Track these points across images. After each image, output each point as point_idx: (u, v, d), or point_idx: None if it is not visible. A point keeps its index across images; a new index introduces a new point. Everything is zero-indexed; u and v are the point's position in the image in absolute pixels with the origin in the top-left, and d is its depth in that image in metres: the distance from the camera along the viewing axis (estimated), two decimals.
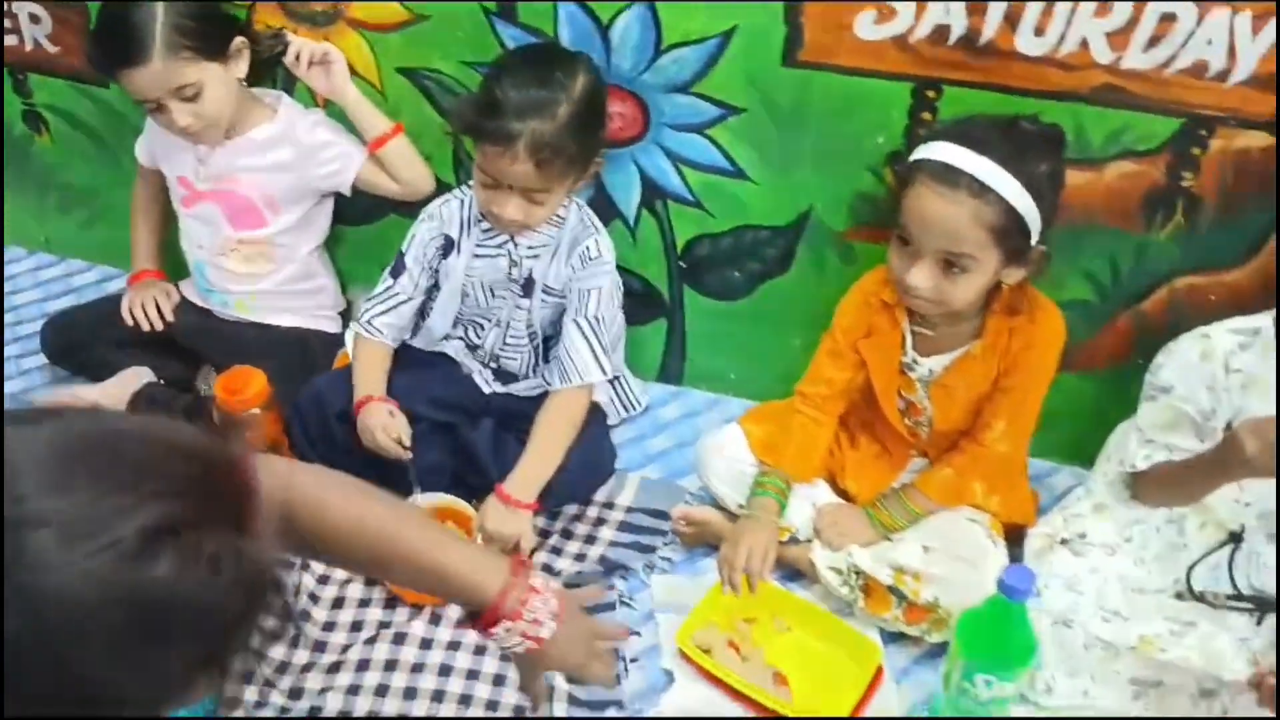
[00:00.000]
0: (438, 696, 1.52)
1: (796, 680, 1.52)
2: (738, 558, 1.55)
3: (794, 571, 1.66)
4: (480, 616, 1.10)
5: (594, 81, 1.58)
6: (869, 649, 1.53)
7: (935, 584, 1.50)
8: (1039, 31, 1.45)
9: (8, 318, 2.15)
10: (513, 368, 1.82)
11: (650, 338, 1.97)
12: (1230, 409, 1.41)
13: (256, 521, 0.76)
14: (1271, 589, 1.46)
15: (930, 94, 1.55)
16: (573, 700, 1.51)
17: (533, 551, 1.70)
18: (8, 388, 2.01)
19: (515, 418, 1.76)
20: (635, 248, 1.85)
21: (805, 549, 1.62)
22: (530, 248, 1.70)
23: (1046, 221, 1.40)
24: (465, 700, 1.51)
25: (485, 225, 1.70)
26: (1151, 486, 1.50)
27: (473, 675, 1.54)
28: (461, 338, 1.82)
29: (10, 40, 2.01)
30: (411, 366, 1.80)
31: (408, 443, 1.67)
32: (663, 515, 1.77)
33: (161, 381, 1.93)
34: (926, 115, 1.56)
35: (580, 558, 1.72)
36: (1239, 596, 1.47)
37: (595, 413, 1.81)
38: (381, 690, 1.52)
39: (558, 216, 1.68)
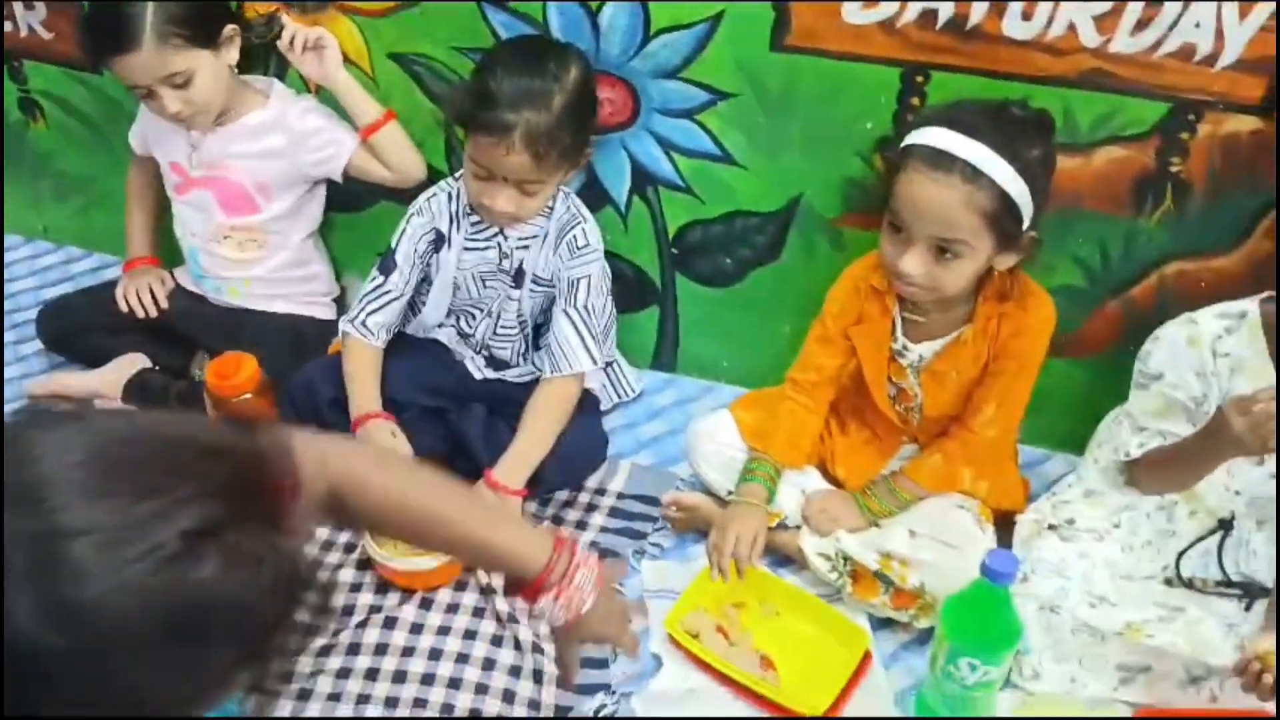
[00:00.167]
0: (427, 679, 1.52)
1: (784, 665, 1.52)
2: (726, 543, 1.56)
3: (783, 557, 1.66)
4: (524, 588, 1.12)
5: (586, 72, 1.59)
6: (857, 634, 1.54)
7: (921, 569, 1.50)
8: (1026, 15, 1.45)
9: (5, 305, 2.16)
10: (504, 356, 1.83)
11: (643, 324, 1.97)
12: (1220, 393, 1.41)
13: (292, 517, 0.76)
14: (1261, 576, 1.46)
15: (918, 79, 1.54)
16: (560, 684, 1.51)
17: None
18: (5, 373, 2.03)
19: (507, 404, 1.77)
20: (627, 235, 1.86)
21: (794, 535, 1.63)
22: (520, 238, 1.70)
23: (1038, 207, 1.40)
24: (454, 684, 1.51)
25: (475, 218, 1.70)
26: (1146, 473, 1.50)
27: (462, 659, 1.54)
28: (453, 326, 1.83)
29: (5, 27, 2.01)
30: (403, 353, 1.80)
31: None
32: (654, 502, 1.77)
33: (156, 368, 1.94)
34: (915, 100, 1.56)
35: None
36: (1228, 583, 1.48)
37: (587, 399, 1.81)
38: (372, 674, 1.52)
39: (547, 206, 1.68)
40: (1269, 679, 1.29)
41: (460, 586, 1.63)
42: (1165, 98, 1.47)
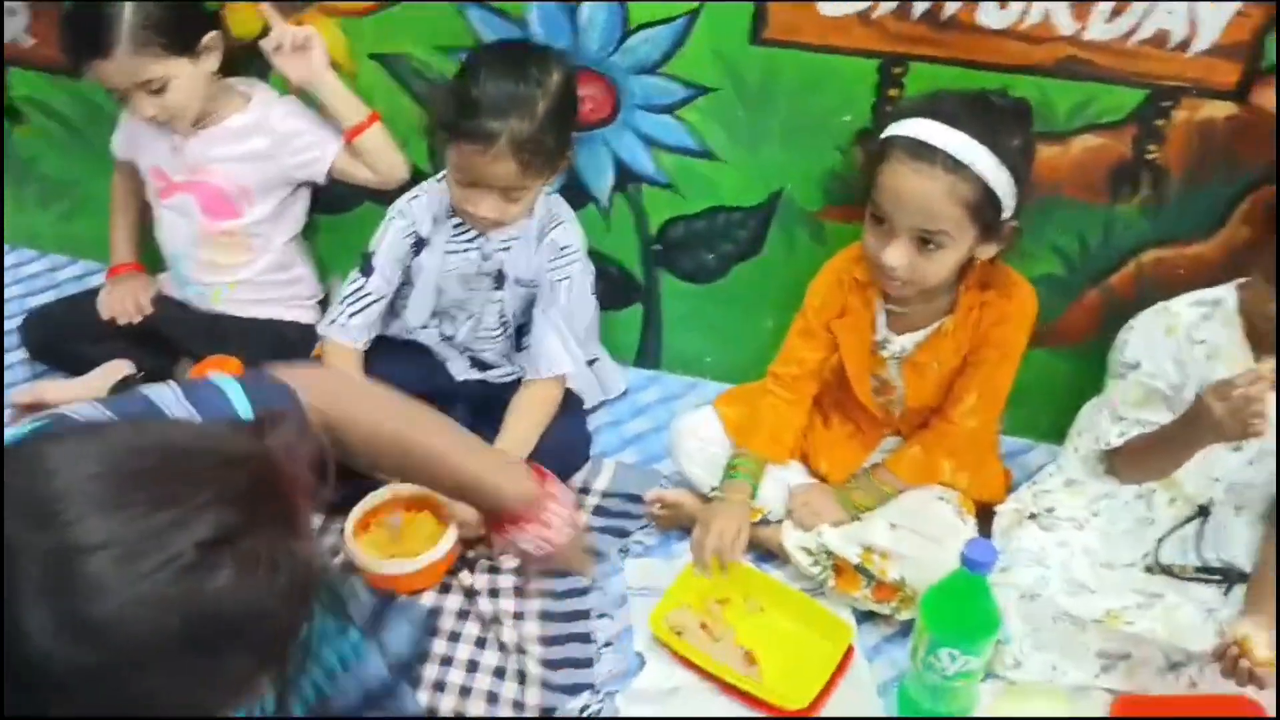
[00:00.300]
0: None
1: (767, 660, 1.52)
2: (709, 539, 1.56)
3: (766, 552, 1.66)
4: (500, 519, 1.17)
5: (568, 75, 1.58)
6: (840, 628, 1.53)
7: (902, 562, 1.50)
8: (1001, 5, 1.45)
9: None
10: (487, 357, 1.83)
11: (627, 322, 1.97)
12: (1198, 380, 1.41)
13: (306, 519, 0.77)
14: (1239, 561, 1.46)
15: (896, 70, 1.55)
16: (546, 685, 1.51)
17: None
18: None
19: (490, 404, 1.76)
20: (609, 232, 1.85)
21: (777, 530, 1.63)
22: (502, 240, 1.70)
23: (1019, 196, 1.40)
24: (439, 686, 1.50)
25: (456, 220, 1.69)
26: (1126, 462, 1.50)
27: (446, 661, 1.53)
28: (436, 328, 1.82)
29: None
30: (385, 355, 1.80)
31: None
32: (638, 500, 1.77)
33: (141, 374, 1.93)
34: (893, 92, 1.56)
35: None
36: (1207, 569, 1.48)
37: (570, 398, 1.81)
38: None
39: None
40: (1247, 664, 1.29)
41: (444, 589, 1.63)
42: (1141, 85, 1.47)
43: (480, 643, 1.56)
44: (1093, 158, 1.54)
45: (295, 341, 1.96)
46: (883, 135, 1.43)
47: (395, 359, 1.80)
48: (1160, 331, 1.44)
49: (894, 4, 1.49)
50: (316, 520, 1.51)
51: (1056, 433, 1.68)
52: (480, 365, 1.84)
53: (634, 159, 1.76)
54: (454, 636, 1.57)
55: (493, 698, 1.49)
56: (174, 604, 0.67)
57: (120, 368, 1.92)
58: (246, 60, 1.84)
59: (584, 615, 1.60)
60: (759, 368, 1.71)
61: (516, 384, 1.75)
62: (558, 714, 1.48)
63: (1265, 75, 1.42)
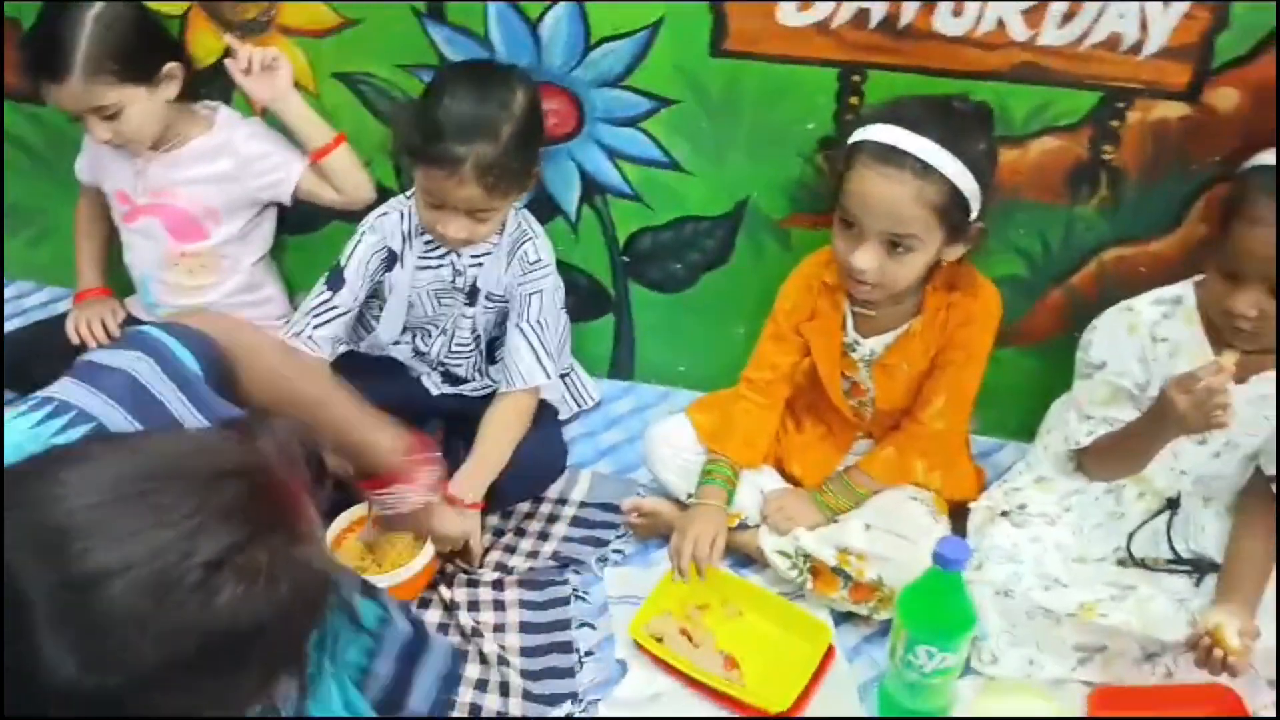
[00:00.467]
0: None
1: (748, 663, 1.53)
2: (686, 546, 1.57)
3: (745, 557, 1.67)
4: (371, 476, 1.24)
5: (533, 95, 1.59)
6: (819, 630, 1.55)
7: (878, 563, 1.51)
8: (956, 13, 1.48)
9: None
10: (460, 372, 1.83)
11: (599, 333, 1.98)
12: (1162, 378, 1.43)
13: (307, 520, 0.78)
14: (1209, 551, 1.49)
15: (856, 78, 1.57)
16: (528, 695, 1.51)
17: (487, 550, 1.71)
18: None
19: (465, 418, 1.77)
20: (578, 244, 1.87)
21: (754, 534, 1.64)
22: (473, 256, 1.70)
23: (984, 198, 1.42)
24: None
25: (427, 237, 1.69)
26: (1095, 460, 1.53)
27: None
28: (409, 344, 1.83)
29: None
30: (358, 372, 1.77)
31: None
32: (615, 509, 1.77)
33: None
34: (854, 100, 1.58)
35: (534, 554, 1.72)
36: (1179, 560, 1.50)
37: (545, 410, 1.82)
38: None
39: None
40: (1220, 652, 1.31)
41: (423, 604, 1.63)
42: (1095, 87, 1.50)
43: (461, 655, 1.56)
44: (1051, 160, 1.57)
45: None
46: (849, 141, 1.44)
47: (369, 375, 1.77)
48: (1123, 331, 1.46)
49: (852, 13, 1.51)
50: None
51: (1026, 431, 1.71)
52: (454, 380, 1.84)
53: (600, 172, 1.78)
54: None
55: (476, 710, 1.49)
56: (186, 625, 0.68)
57: None
58: (210, 82, 1.84)
59: (565, 625, 1.61)
60: (732, 375, 1.73)
61: (491, 397, 1.75)
62: None
63: (1215, 75, 1.45)
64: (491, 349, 1.80)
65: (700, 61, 1.61)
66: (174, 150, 1.81)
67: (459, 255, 1.70)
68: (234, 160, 1.82)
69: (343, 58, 1.77)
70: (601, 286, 1.92)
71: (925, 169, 1.36)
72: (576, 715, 1.50)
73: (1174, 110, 1.49)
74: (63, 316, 1.99)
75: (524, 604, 1.64)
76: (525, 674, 1.54)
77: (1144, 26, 1.43)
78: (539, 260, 1.70)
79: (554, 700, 1.51)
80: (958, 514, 1.61)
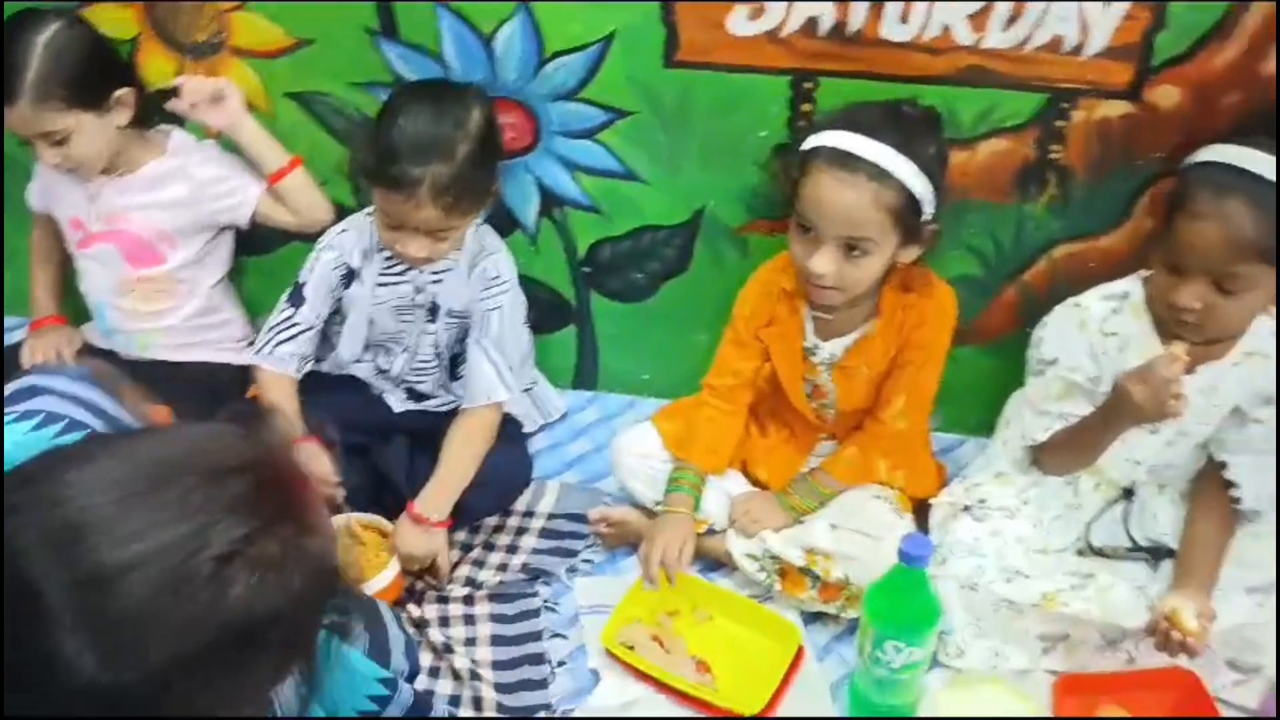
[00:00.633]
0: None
1: (720, 667, 1.54)
2: (655, 553, 1.58)
3: (714, 562, 1.69)
4: None
5: (488, 112, 1.59)
6: (789, 630, 1.56)
7: (844, 562, 1.53)
8: (903, 19, 1.50)
9: None
10: (423, 389, 1.83)
11: (562, 345, 1.99)
12: (1112, 372, 1.46)
13: (314, 509, 0.79)
14: (1165, 539, 1.52)
15: (807, 85, 1.59)
16: (502, 709, 1.51)
17: (455, 565, 1.71)
18: None
19: (430, 434, 1.76)
20: (538, 257, 1.87)
21: (722, 539, 1.65)
22: (434, 273, 1.70)
23: (938, 200, 1.45)
24: None
25: (387, 253, 1.70)
26: (1050, 455, 1.55)
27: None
28: (371, 362, 1.82)
29: None
30: (321, 390, 1.79)
31: (336, 479, 1.66)
32: (583, 519, 1.78)
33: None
34: (806, 106, 1.61)
35: (503, 568, 1.72)
36: (1136, 548, 1.53)
37: (510, 424, 1.82)
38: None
39: None
40: (1178, 635, 1.34)
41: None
42: (1040, 88, 1.53)
43: (434, 672, 1.55)
44: (999, 160, 1.60)
45: (226, 384, 1.94)
46: (803, 147, 1.46)
47: (332, 394, 1.79)
48: (1073, 327, 1.49)
49: (801, 21, 1.54)
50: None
51: (985, 427, 1.74)
52: (417, 396, 1.84)
53: (558, 184, 1.79)
54: None
55: None
56: (204, 615, 0.69)
57: None
58: (162, 106, 1.83)
59: (536, 636, 1.61)
60: (695, 382, 1.74)
61: (455, 413, 1.76)
62: None
63: (1155, 74, 1.49)
64: (455, 364, 1.80)
65: (654, 73, 1.63)
66: (126, 175, 1.79)
67: (420, 272, 1.70)
68: (189, 185, 1.80)
69: (296, 78, 1.77)
70: (563, 298, 1.93)
71: (880, 173, 1.38)
72: None
73: (1117, 109, 1.52)
74: (14, 347, 1.96)
75: (494, 618, 1.64)
76: (499, 687, 1.54)
77: (1085, 28, 1.46)
78: (498, 276, 1.70)
79: (528, 712, 1.51)
80: (921, 510, 1.63)
